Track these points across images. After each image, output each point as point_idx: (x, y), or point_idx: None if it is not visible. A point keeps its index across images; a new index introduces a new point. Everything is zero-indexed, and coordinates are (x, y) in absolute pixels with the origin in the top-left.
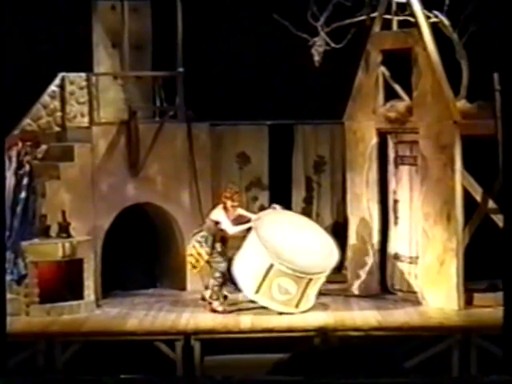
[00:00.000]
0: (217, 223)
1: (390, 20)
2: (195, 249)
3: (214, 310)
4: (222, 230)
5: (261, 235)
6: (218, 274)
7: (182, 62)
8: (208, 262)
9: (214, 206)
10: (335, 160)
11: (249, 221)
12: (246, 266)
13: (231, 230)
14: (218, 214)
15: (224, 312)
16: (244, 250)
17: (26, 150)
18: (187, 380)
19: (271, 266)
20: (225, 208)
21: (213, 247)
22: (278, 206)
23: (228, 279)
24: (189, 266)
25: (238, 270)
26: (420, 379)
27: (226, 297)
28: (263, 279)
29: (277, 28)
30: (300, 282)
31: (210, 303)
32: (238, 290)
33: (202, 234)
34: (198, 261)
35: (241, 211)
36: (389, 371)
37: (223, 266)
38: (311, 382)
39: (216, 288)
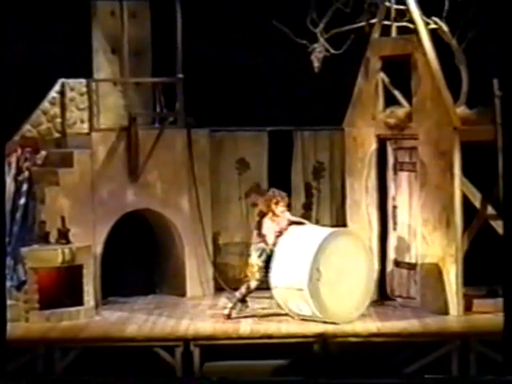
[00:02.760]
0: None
1: (389, 26)
2: (250, 258)
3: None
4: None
5: (320, 270)
6: (245, 287)
7: (181, 68)
8: (249, 272)
9: (260, 218)
10: (334, 166)
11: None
12: (287, 267)
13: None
14: (264, 228)
15: (225, 316)
16: (297, 252)
17: (25, 156)
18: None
19: (302, 290)
20: (273, 216)
21: (261, 263)
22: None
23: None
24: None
25: (277, 263)
26: (420, 379)
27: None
28: (290, 291)
29: (276, 34)
30: (316, 316)
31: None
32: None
33: (260, 245)
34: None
35: (289, 216)
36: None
37: (255, 284)
38: (308, 383)
39: (239, 295)
